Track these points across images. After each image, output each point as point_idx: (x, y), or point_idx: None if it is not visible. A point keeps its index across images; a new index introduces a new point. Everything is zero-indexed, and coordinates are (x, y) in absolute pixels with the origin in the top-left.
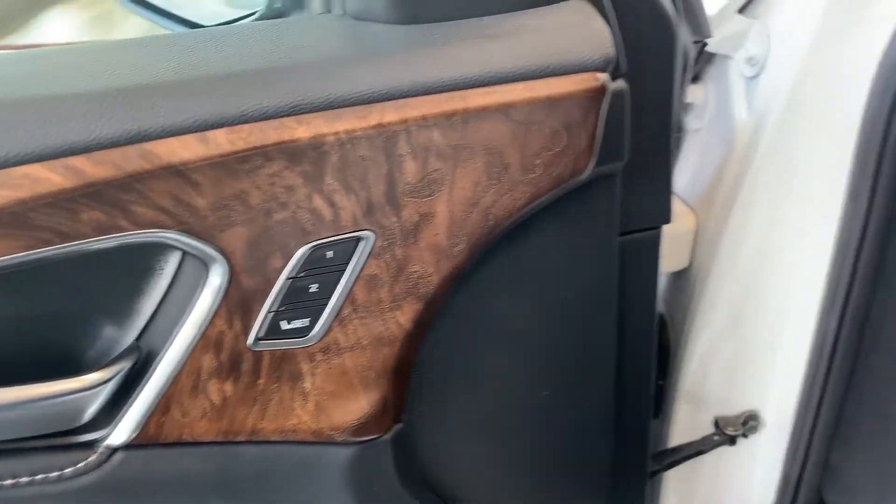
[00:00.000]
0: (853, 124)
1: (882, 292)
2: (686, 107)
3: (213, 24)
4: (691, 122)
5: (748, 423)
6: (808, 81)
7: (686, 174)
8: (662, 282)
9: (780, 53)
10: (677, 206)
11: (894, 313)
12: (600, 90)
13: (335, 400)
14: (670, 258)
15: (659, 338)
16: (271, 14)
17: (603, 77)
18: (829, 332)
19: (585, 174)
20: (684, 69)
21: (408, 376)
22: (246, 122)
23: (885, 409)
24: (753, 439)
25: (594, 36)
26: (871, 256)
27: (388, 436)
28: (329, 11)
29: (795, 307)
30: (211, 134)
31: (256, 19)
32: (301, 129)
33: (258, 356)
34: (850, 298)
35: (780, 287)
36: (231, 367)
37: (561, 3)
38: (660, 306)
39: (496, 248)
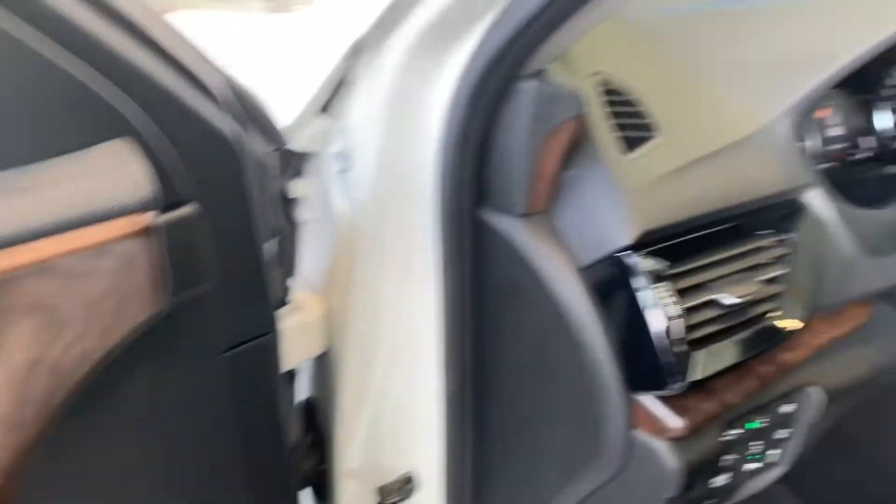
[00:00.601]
0: (430, 200)
1: (488, 349)
2: (295, 202)
3: None
4: (304, 214)
5: (405, 487)
6: (387, 168)
7: (310, 263)
8: (308, 367)
9: (361, 146)
10: (306, 295)
11: (499, 366)
12: (145, 231)
13: None
14: (306, 347)
15: (312, 423)
16: None
17: (145, 217)
18: (454, 390)
19: (164, 306)
20: (264, 178)
21: None
22: None
23: (512, 455)
24: (415, 502)
25: (129, 178)
26: (472, 316)
27: None
28: None
29: (426, 368)
30: None
31: None
32: None
33: None
34: (464, 357)
35: (412, 351)
36: None
37: (98, 146)
38: (311, 391)
39: (89, 398)
